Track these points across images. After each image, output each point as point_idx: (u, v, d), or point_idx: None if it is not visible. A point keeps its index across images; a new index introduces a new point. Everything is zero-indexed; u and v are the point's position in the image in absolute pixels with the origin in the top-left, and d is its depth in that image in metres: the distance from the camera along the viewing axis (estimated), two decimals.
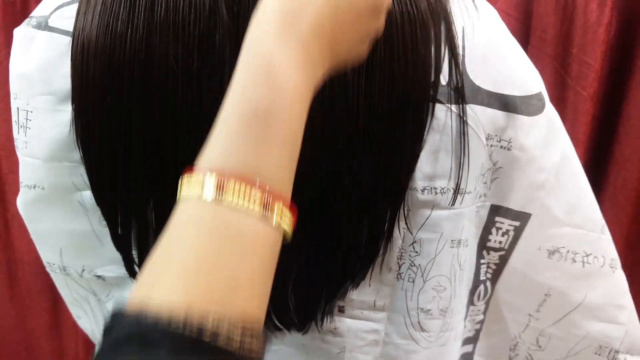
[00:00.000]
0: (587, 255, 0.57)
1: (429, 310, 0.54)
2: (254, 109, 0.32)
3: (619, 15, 0.98)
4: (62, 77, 0.47)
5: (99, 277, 0.57)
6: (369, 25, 0.39)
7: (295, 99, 0.34)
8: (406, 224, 0.50)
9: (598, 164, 1.07)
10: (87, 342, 1.41)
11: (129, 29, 0.43)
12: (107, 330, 0.29)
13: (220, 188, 0.31)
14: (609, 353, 0.60)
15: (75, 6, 0.47)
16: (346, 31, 0.37)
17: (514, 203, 0.54)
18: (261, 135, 0.32)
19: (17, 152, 0.53)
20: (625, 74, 1.02)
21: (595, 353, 0.60)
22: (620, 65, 1.02)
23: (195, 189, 0.31)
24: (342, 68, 0.40)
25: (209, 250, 0.30)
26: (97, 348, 0.29)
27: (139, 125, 0.44)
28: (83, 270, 0.56)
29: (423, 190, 0.49)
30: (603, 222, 0.58)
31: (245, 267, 0.31)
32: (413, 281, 0.53)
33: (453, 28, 0.47)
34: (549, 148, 0.52)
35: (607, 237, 0.59)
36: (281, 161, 0.33)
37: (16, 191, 0.52)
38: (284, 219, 0.33)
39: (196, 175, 0.32)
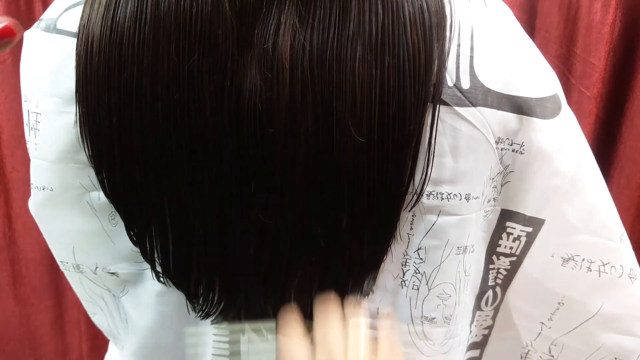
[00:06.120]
0: (604, 265, 0.54)
1: (433, 318, 0.53)
2: None
3: (623, 15, 0.98)
4: (68, 78, 0.47)
5: (112, 273, 0.57)
6: None
7: None
8: (411, 229, 0.49)
9: (601, 164, 1.06)
10: (91, 340, 1.42)
11: (137, 23, 0.43)
12: None
13: None
14: None
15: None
16: None
17: (527, 208, 0.52)
18: None
19: (29, 155, 0.53)
20: (629, 74, 1.02)
21: None
22: (624, 66, 1.02)
23: None
24: None
25: None
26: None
27: (141, 117, 0.44)
28: (96, 267, 0.57)
29: (429, 196, 0.47)
30: (623, 230, 0.55)
31: None
32: (417, 289, 0.52)
33: (459, 27, 0.45)
34: (564, 152, 0.50)
35: (627, 245, 0.55)
36: None
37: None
38: None
39: None
